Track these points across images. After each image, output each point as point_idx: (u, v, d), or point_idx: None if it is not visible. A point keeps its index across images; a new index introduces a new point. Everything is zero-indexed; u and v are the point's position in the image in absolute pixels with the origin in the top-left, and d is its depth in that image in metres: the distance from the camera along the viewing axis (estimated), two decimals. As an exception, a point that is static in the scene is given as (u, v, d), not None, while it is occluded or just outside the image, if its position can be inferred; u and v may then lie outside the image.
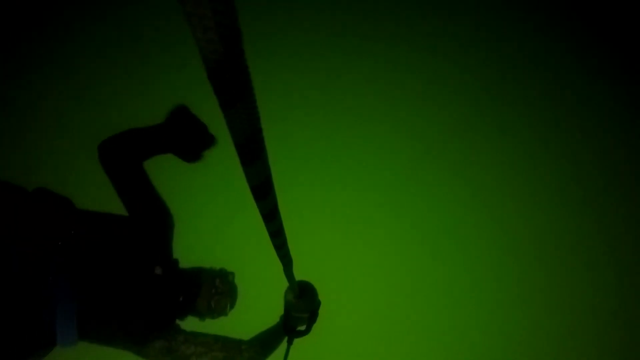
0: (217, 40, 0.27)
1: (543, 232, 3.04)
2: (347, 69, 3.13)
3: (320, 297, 1.27)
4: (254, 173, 0.45)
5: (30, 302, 0.91)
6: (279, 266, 0.95)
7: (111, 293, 1.07)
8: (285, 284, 1.18)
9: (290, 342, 1.27)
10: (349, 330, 2.97)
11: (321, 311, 1.28)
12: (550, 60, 3.10)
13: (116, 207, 1.20)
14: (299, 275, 1.38)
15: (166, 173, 1.37)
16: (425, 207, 3.14)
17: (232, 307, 1.38)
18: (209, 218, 2.81)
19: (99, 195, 1.23)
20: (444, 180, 3.12)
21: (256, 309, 1.36)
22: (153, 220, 1.23)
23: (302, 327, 1.28)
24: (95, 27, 2.95)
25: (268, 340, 1.31)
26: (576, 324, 2.89)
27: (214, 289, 1.28)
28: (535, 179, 3.09)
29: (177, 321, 1.25)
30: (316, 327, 1.28)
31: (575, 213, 3.03)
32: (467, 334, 2.96)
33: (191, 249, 1.34)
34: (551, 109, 3.10)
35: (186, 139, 1.16)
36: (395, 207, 3.14)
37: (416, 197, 3.14)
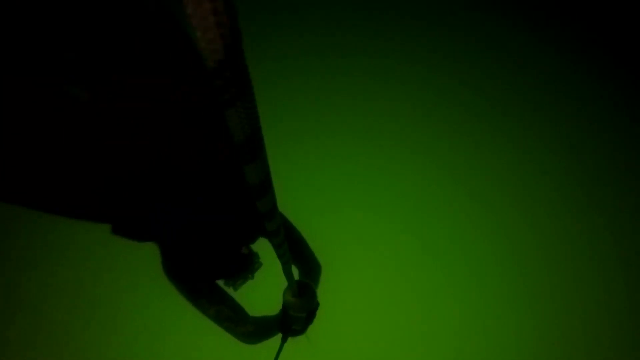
0: (217, 40, 0.28)
1: (546, 232, 3.05)
2: (347, 67, 3.13)
3: (319, 298, 1.27)
4: (254, 172, 0.45)
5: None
6: (278, 265, 0.95)
7: (198, 246, 1.10)
8: (283, 283, 1.18)
9: (284, 340, 1.27)
10: (346, 333, 2.98)
11: (319, 312, 1.28)
12: (550, 62, 3.10)
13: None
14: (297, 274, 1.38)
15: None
16: (426, 206, 3.14)
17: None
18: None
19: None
20: (444, 180, 3.12)
21: (254, 308, 1.36)
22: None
23: (298, 327, 1.28)
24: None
25: (263, 328, 1.32)
26: (580, 324, 2.90)
27: (250, 275, 1.31)
28: (536, 179, 3.09)
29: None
30: (312, 328, 1.28)
31: (576, 212, 3.04)
32: (470, 336, 2.97)
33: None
34: (551, 110, 3.10)
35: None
36: (395, 207, 3.14)
37: (417, 198, 3.14)
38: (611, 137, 3.04)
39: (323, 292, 1.35)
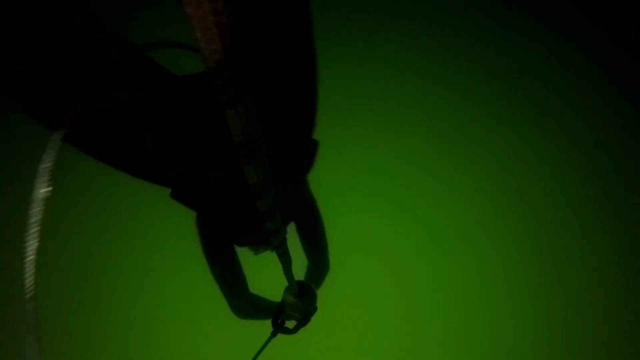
0: (217, 40, 0.28)
1: (552, 231, 3.03)
2: (349, 62, 3.11)
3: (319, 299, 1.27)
4: (253, 172, 0.46)
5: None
6: (278, 265, 0.95)
7: (244, 219, 1.10)
8: (284, 283, 1.18)
9: (273, 335, 1.26)
10: (345, 333, 2.97)
11: (316, 313, 1.28)
12: (557, 60, 3.09)
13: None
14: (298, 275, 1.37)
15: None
16: (428, 206, 3.12)
17: None
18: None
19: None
20: (447, 179, 3.11)
21: (261, 285, 1.37)
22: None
23: (290, 326, 1.27)
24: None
25: (256, 309, 1.32)
26: (584, 323, 2.89)
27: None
28: (540, 178, 3.08)
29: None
30: (304, 330, 1.28)
31: (581, 211, 3.02)
32: (473, 335, 2.95)
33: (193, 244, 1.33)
34: (556, 108, 3.09)
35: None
36: (398, 208, 3.12)
37: (419, 197, 3.12)
38: (616, 136, 3.03)
39: (321, 289, 1.35)
